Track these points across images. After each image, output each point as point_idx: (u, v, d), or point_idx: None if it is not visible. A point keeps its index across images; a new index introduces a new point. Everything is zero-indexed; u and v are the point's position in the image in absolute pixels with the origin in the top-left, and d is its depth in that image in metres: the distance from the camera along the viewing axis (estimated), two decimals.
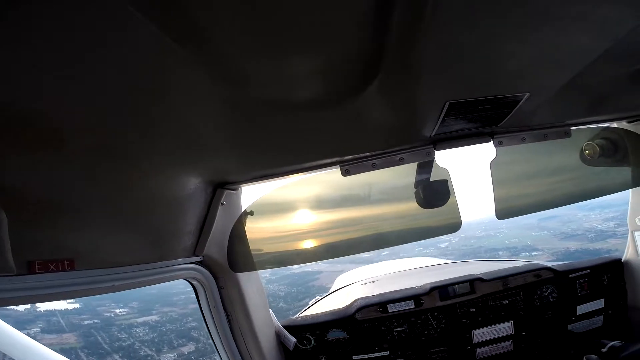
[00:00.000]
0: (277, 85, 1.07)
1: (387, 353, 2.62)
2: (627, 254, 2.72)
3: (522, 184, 2.22)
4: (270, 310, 2.53)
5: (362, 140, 1.66)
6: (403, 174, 2.04)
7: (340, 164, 1.82)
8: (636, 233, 2.61)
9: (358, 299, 2.74)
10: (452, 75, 1.20)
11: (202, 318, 2.07)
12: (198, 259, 1.85)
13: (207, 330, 2.10)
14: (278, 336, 2.53)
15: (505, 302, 2.66)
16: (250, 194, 2.08)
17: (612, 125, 2.30)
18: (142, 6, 0.68)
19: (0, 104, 0.79)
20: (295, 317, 2.86)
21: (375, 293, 2.81)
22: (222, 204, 1.80)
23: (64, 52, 0.73)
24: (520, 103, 1.49)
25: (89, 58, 0.77)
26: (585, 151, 2.27)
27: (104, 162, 1.11)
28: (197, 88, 0.98)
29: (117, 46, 0.76)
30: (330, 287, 4.33)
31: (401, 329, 2.64)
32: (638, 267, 2.65)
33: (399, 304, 2.64)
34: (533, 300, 2.68)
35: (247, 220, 2.03)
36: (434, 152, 1.87)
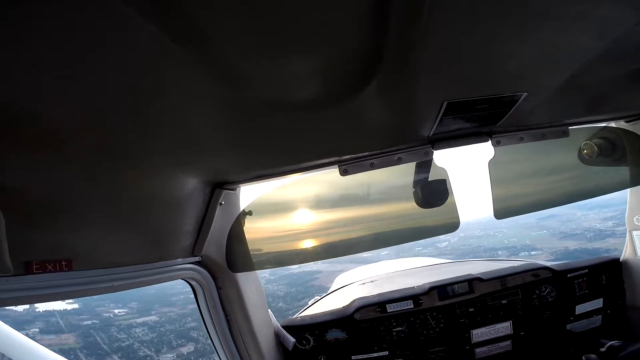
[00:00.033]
0: (276, 85, 1.07)
1: (386, 353, 2.63)
2: (626, 254, 2.73)
3: (520, 184, 2.23)
4: (269, 310, 2.53)
5: (360, 140, 1.66)
6: (401, 174, 2.04)
7: (339, 163, 1.82)
8: (634, 232, 2.61)
9: (357, 299, 2.74)
10: (450, 75, 1.20)
11: (201, 318, 2.07)
12: (196, 259, 1.85)
13: (205, 331, 2.10)
14: (277, 336, 2.53)
15: (504, 301, 2.67)
16: (249, 194, 2.09)
17: (610, 125, 2.30)
18: (140, 6, 0.68)
19: None
20: (294, 317, 2.86)
21: (374, 293, 2.82)
22: (221, 204, 1.79)
23: (62, 52, 0.73)
24: (518, 102, 1.49)
25: (87, 58, 0.77)
26: (583, 151, 2.28)
27: (102, 162, 1.11)
28: (195, 88, 0.98)
29: (116, 46, 0.76)
30: (329, 287, 4.33)
31: (400, 328, 2.64)
32: (636, 266, 2.65)
33: (398, 303, 2.64)
34: (532, 300, 2.68)
35: (245, 220, 2.03)
36: (432, 152, 1.88)
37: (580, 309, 2.70)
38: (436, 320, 2.65)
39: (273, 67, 0.97)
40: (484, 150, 2.02)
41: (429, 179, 2.05)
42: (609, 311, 2.72)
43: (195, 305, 2.05)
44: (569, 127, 2.00)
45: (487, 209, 2.12)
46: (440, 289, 2.67)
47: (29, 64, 0.73)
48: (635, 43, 1.22)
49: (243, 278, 2.10)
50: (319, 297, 3.84)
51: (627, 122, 2.25)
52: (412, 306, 2.64)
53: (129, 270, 1.40)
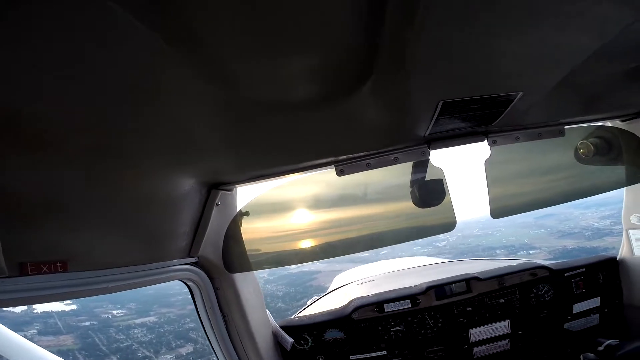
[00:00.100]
0: (272, 86, 1.07)
1: (385, 353, 2.63)
2: (622, 253, 2.74)
3: (516, 183, 2.23)
4: (267, 310, 2.53)
5: (357, 140, 1.66)
6: (398, 174, 2.04)
7: (335, 163, 1.82)
8: (631, 231, 2.62)
9: (355, 299, 2.74)
10: (445, 74, 1.20)
11: (199, 319, 2.06)
12: (193, 259, 1.85)
13: (203, 332, 2.09)
14: (275, 336, 2.53)
15: (501, 301, 2.67)
16: (246, 194, 2.08)
17: (606, 124, 2.31)
18: (136, 8, 0.69)
19: None
20: (292, 317, 2.86)
21: (372, 293, 2.82)
22: (217, 204, 1.79)
23: (58, 53, 0.73)
24: (514, 102, 1.49)
25: (82, 59, 0.77)
26: (579, 150, 2.28)
27: (97, 162, 1.11)
28: (191, 88, 0.98)
29: (111, 47, 0.76)
30: (328, 287, 4.33)
31: (398, 328, 2.64)
32: (633, 265, 2.66)
33: (396, 303, 2.64)
34: (529, 299, 2.69)
35: (242, 221, 2.03)
36: (429, 152, 1.88)
37: (577, 307, 2.70)
38: (434, 319, 2.65)
39: (268, 68, 0.97)
40: (481, 150, 2.03)
41: (426, 179, 2.05)
42: (606, 310, 2.73)
43: (194, 306, 2.05)
44: (565, 127, 2.01)
45: (485, 208, 2.12)
46: (438, 289, 2.67)
47: (24, 65, 0.73)
48: (630, 42, 1.22)
49: (240, 278, 2.09)
50: (317, 297, 3.84)
51: (622, 121, 2.26)
52: (409, 306, 2.64)
53: (125, 271, 1.39)
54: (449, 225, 2.10)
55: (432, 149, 1.87)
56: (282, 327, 2.57)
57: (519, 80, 1.35)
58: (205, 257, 1.88)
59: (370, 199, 2.12)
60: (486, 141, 1.92)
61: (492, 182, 2.04)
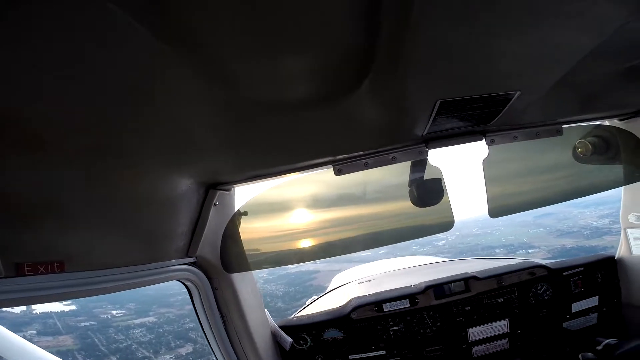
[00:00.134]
0: (269, 86, 1.07)
1: (384, 352, 2.63)
2: (621, 251, 2.74)
3: (514, 182, 2.23)
4: (265, 310, 2.53)
5: (354, 139, 1.66)
6: (397, 173, 2.04)
7: (333, 163, 1.82)
8: (629, 230, 2.62)
9: (353, 299, 2.74)
10: (443, 74, 1.20)
11: (197, 319, 2.06)
12: (191, 260, 1.84)
13: (202, 332, 2.09)
14: (274, 336, 2.53)
15: (500, 300, 2.67)
16: (244, 194, 2.08)
17: (604, 123, 2.31)
18: (134, 9, 0.68)
19: None
20: (291, 317, 2.86)
21: (371, 292, 2.82)
22: (215, 204, 1.79)
23: (57, 53, 0.73)
24: (512, 101, 1.49)
25: (79, 59, 0.76)
26: (577, 149, 2.28)
27: (95, 162, 1.11)
28: (189, 88, 0.98)
29: (109, 48, 0.76)
30: (327, 287, 4.33)
31: (397, 328, 2.64)
32: (631, 264, 2.66)
33: (394, 303, 2.64)
34: (528, 298, 2.69)
35: (240, 221, 2.02)
36: (426, 151, 1.88)
37: (576, 307, 2.71)
38: (433, 319, 2.65)
39: (266, 68, 0.97)
40: (479, 149, 2.03)
41: (424, 178, 2.05)
42: (604, 309, 2.73)
43: (192, 307, 2.05)
44: (563, 126, 2.01)
45: (484, 208, 2.12)
46: (437, 288, 2.68)
47: (18, 65, 0.72)
48: (627, 41, 1.22)
49: (239, 278, 2.09)
50: (316, 297, 3.85)
51: (620, 120, 2.26)
52: (408, 305, 2.64)
53: (122, 271, 1.39)
54: (447, 224, 2.10)
55: (430, 149, 1.87)
56: (281, 327, 2.57)
57: (517, 79, 1.35)
58: (203, 257, 1.88)
59: (368, 199, 2.12)
60: (484, 140, 1.92)
61: (490, 181, 2.04)
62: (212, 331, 2.05)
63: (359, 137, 1.65)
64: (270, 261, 2.17)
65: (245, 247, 2.04)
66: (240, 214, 2.02)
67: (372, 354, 2.63)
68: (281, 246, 2.14)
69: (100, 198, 1.22)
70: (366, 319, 2.63)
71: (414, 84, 1.23)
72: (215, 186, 1.78)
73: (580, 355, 2.23)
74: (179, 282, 1.90)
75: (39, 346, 1.73)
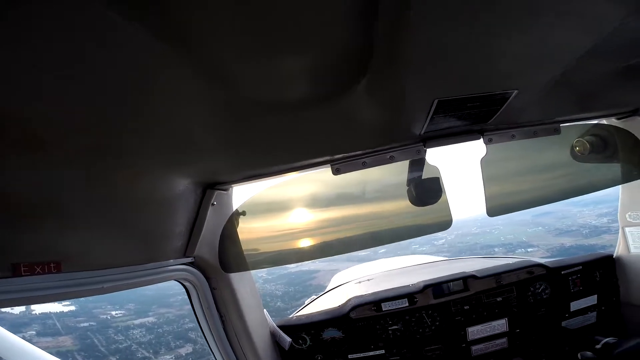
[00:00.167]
0: (266, 85, 1.06)
1: (383, 352, 2.63)
2: (619, 250, 2.74)
3: (512, 181, 2.23)
4: (264, 310, 2.53)
5: (352, 139, 1.66)
6: (395, 172, 2.04)
7: (331, 162, 1.82)
8: (627, 229, 2.63)
9: (352, 298, 2.74)
10: (440, 73, 1.20)
11: (196, 320, 2.06)
12: (189, 260, 1.84)
13: (201, 332, 2.09)
14: (273, 336, 2.53)
15: (499, 299, 2.68)
16: (242, 193, 2.08)
17: (601, 122, 2.31)
18: (128, 9, 0.68)
19: None
20: (290, 316, 2.86)
21: (370, 292, 2.82)
22: (213, 204, 1.79)
23: (54, 53, 0.72)
24: (509, 100, 1.49)
25: (75, 60, 0.76)
26: (575, 148, 2.28)
27: (92, 163, 1.10)
28: (186, 88, 0.98)
29: (108, 48, 0.76)
30: (327, 286, 4.34)
31: (396, 327, 2.64)
32: (630, 262, 2.67)
33: (393, 302, 2.64)
34: (526, 297, 2.69)
35: (238, 221, 2.02)
36: (424, 150, 1.88)
37: (574, 305, 2.71)
38: (432, 318, 2.66)
39: (263, 67, 0.97)
40: (477, 148, 2.03)
41: (422, 177, 2.05)
42: (603, 308, 2.73)
43: (191, 307, 2.05)
44: (561, 125, 2.01)
45: (482, 207, 2.12)
46: (435, 287, 2.68)
47: (16, 65, 0.72)
48: (624, 40, 1.22)
49: (237, 278, 2.09)
50: (316, 297, 3.85)
51: (618, 119, 2.26)
52: (407, 304, 2.64)
53: (120, 271, 1.39)
54: (445, 223, 2.10)
55: (427, 148, 1.87)
56: (280, 327, 2.57)
57: (514, 78, 1.35)
58: (201, 257, 1.88)
59: (366, 198, 2.12)
60: (482, 139, 1.91)
61: (488, 180, 2.04)
62: (211, 331, 2.05)
63: (357, 137, 1.65)
64: (268, 261, 2.17)
65: (244, 246, 2.04)
66: (238, 214, 2.01)
67: (371, 353, 2.63)
68: (279, 246, 2.13)
69: (97, 198, 1.21)
70: (365, 318, 2.63)
71: (411, 83, 1.23)
72: (213, 186, 1.77)
73: (579, 354, 2.23)
74: (177, 282, 1.90)
75: (39, 347, 1.73)
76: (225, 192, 1.88)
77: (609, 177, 2.35)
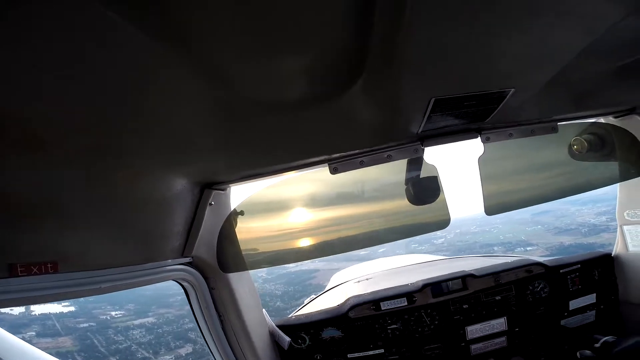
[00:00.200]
0: (264, 85, 1.06)
1: (382, 351, 2.63)
2: (617, 249, 2.75)
3: (510, 180, 2.23)
4: (263, 310, 2.53)
5: (350, 138, 1.66)
6: (393, 171, 2.04)
7: (328, 162, 1.82)
8: (625, 227, 2.63)
9: (351, 297, 2.74)
10: (436, 71, 1.20)
11: (194, 320, 2.06)
12: (187, 260, 1.84)
13: (200, 332, 2.09)
14: (272, 336, 2.53)
15: (497, 298, 2.68)
16: (240, 193, 2.08)
17: (599, 121, 2.32)
18: (126, 9, 0.68)
19: None
20: (289, 316, 2.86)
21: (369, 291, 2.82)
22: (210, 204, 1.79)
23: (51, 54, 0.72)
24: (506, 99, 1.49)
25: (73, 61, 0.76)
26: (573, 146, 2.29)
27: (89, 163, 1.10)
28: (183, 88, 0.98)
29: (107, 48, 0.76)
30: (327, 286, 4.34)
31: (395, 326, 2.64)
32: (628, 261, 2.67)
33: (392, 301, 2.64)
34: (525, 295, 2.70)
35: (236, 220, 2.02)
36: (422, 149, 1.88)
37: (573, 304, 2.71)
38: (430, 317, 2.66)
39: (261, 68, 0.97)
40: (475, 147, 2.04)
41: (420, 176, 2.05)
42: (602, 306, 2.74)
43: (189, 307, 2.04)
44: (558, 123, 2.01)
45: (482, 206, 2.12)
46: (434, 286, 2.68)
47: (15, 65, 0.72)
48: (621, 39, 1.22)
49: (235, 278, 2.09)
50: (315, 296, 3.85)
51: (615, 117, 2.26)
52: (405, 304, 2.64)
53: (117, 272, 1.38)
54: (443, 222, 2.10)
55: (425, 146, 1.87)
56: (279, 327, 2.57)
57: (511, 77, 1.35)
58: (200, 257, 1.88)
59: (364, 197, 2.12)
60: (479, 138, 1.92)
61: (485, 178, 2.04)
62: (210, 331, 2.05)
63: (354, 136, 1.65)
64: (266, 260, 2.16)
65: (242, 246, 2.04)
66: (236, 214, 2.01)
67: (371, 352, 2.63)
68: (277, 245, 2.13)
69: (95, 198, 1.21)
70: (364, 317, 2.63)
71: (407, 82, 1.23)
72: (210, 186, 1.77)
73: (578, 353, 2.24)
74: (175, 282, 1.89)
75: (38, 348, 1.73)
76: (223, 191, 1.88)
77: (607, 176, 2.35)
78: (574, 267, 2.73)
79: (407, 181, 2.09)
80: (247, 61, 0.93)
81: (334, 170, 1.83)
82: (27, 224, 1.04)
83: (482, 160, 2.00)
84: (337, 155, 1.79)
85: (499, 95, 1.45)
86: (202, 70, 0.91)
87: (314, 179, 2.01)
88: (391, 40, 0.95)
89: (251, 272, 2.37)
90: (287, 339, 2.52)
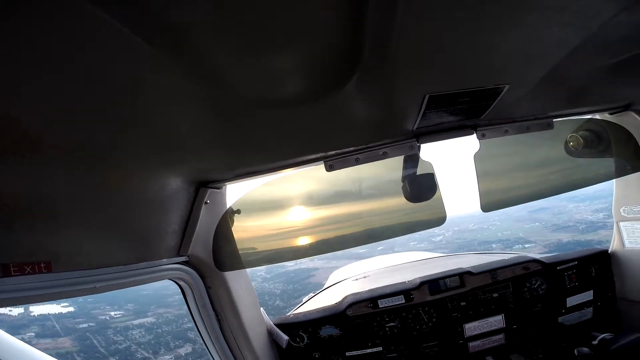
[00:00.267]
0: (259, 83, 1.06)
1: (380, 349, 2.64)
2: (614, 245, 2.75)
3: (506, 176, 2.23)
4: (261, 308, 2.52)
5: (345, 135, 1.66)
6: (389, 169, 2.04)
7: (324, 159, 1.82)
8: (621, 224, 2.64)
9: (349, 295, 2.75)
10: (430, 68, 1.19)
11: (192, 319, 2.05)
12: (183, 259, 1.83)
13: (197, 331, 2.08)
14: (270, 334, 2.52)
15: (495, 295, 2.69)
16: (236, 191, 2.07)
17: (595, 117, 2.32)
18: (115, 10, 0.68)
19: None
20: (287, 314, 2.86)
21: (367, 289, 2.82)
22: (206, 202, 1.78)
23: (43, 54, 0.72)
24: (501, 95, 1.49)
25: (68, 61, 0.76)
26: (569, 143, 2.29)
27: (83, 162, 1.09)
28: (177, 87, 0.97)
29: (97, 50, 0.76)
30: (325, 284, 4.34)
31: (393, 324, 2.65)
32: (624, 258, 2.68)
33: (389, 299, 2.64)
34: (523, 293, 2.70)
35: (232, 219, 2.01)
36: (418, 146, 1.88)
37: (571, 301, 2.72)
38: (428, 315, 2.66)
39: (255, 65, 0.97)
40: (472, 144, 2.02)
41: (416, 174, 2.05)
42: (599, 303, 2.75)
43: (186, 306, 2.04)
44: (554, 120, 2.01)
45: (478, 202, 2.12)
46: (432, 284, 2.68)
47: (8, 66, 0.72)
48: (615, 35, 1.22)
49: (232, 277, 2.08)
50: (313, 294, 3.85)
51: (611, 114, 2.27)
52: (403, 301, 2.65)
53: (112, 271, 1.38)
54: (440, 219, 2.09)
55: (420, 143, 1.87)
56: (277, 325, 2.57)
57: (505, 73, 1.34)
58: (196, 255, 1.87)
59: (361, 195, 2.12)
60: (475, 135, 1.92)
61: (481, 175, 2.04)
62: (207, 330, 2.04)
63: (350, 133, 1.65)
64: (263, 259, 2.16)
65: (238, 245, 2.03)
66: (232, 212, 2.00)
67: (369, 350, 2.63)
68: (274, 243, 2.13)
69: (89, 197, 1.21)
70: (362, 315, 2.63)
71: (401, 79, 1.22)
72: (206, 184, 1.77)
73: (575, 351, 2.24)
74: (172, 281, 1.89)
75: (38, 348, 1.72)
76: (218, 190, 1.87)
77: (603, 172, 2.36)
78: (571, 264, 2.74)
79: (404, 178, 2.09)
80: (240, 59, 0.92)
81: (329, 168, 1.83)
82: (20, 224, 1.04)
83: (478, 157, 2.00)
84: (333, 152, 1.79)
85: (493, 91, 1.45)
86: (195, 68, 0.91)
87: (311, 177, 2.01)
88: (384, 37, 0.95)
89: (249, 270, 2.36)
90: (285, 337, 2.52)
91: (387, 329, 2.64)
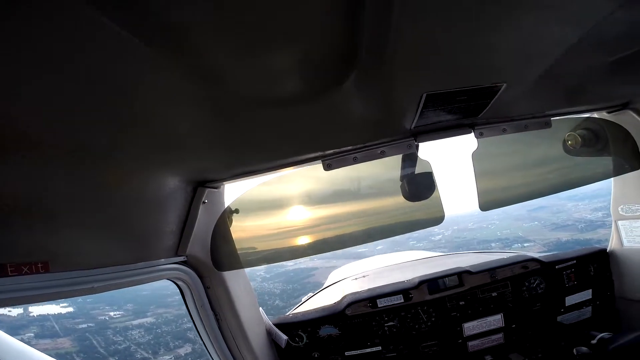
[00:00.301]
0: (255, 82, 1.06)
1: (379, 348, 2.64)
2: (612, 244, 2.75)
3: (504, 175, 2.23)
4: (260, 308, 2.52)
5: (343, 134, 1.65)
6: (387, 168, 2.04)
7: (322, 158, 1.81)
8: (619, 222, 2.64)
9: (348, 295, 2.75)
10: (427, 66, 1.19)
11: (191, 319, 2.05)
12: (181, 258, 1.83)
13: (196, 331, 2.08)
14: (269, 334, 2.52)
15: (494, 294, 2.69)
16: (234, 191, 2.07)
17: (593, 116, 2.32)
18: (119, 9, 0.68)
19: None
20: (286, 314, 2.86)
21: (366, 288, 2.82)
22: (204, 202, 1.78)
23: (41, 54, 0.72)
24: (499, 93, 1.48)
25: (66, 61, 0.76)
26: (567, 141, 2.29)
27: (81, 161, 1.09)
28: (175, 86, 0.97)
29: (95, 50, 0.75)
30: (325, 283, 4.34)
31: (392, 323, 2.65)
32: (623, 256, 2.68)
33: (388, 298, 2.64)
34: (521, 292, 2.70)
35: (230, 218, 2.01)
36: (415, 145, 1.87)
37: (569, 300, 2.72)
38: (427, 314, 2.66)
39: (253, 65, 0.96)
40: (470, 142, 2.02)
41: (415, 173, 2.05)
42: (598, 302, 2.75)
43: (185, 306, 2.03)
44: (552, 118, 2.01)
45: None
46: (430, 283, 2.68)
47: (8, 66, 0.72)
48: (611, 33, 1.22)
49: (231, 277, 2.08)
50: (312, 294, 3.85)
51: (609, 112, 2.27)
52: (402, 301, 2.65)
53: (110, 271, 1.37)
54: (438, 218, 2.09)
55: (418, 142, 1.87)
56: (276, 325, 2.57)
57: (502, 72, 1.34)
58: (194, 255, 1.87)
59: (359, 194, 2.12)
60: (473, 133, 1.91)
61: (480, 174, 2.04)
62: (206, 331, 2.04)
63: (347, 132, 1.65)
64: (261, 258, 2.16)
65: (236, 244, 2.03)
66: (230, 212, 2.00)
67: (368, 350, 2.63)
68: (272, 243, 2.12)
69: (86, 197, 1.20)
70: (361, 314, 2.63)
71: (398, 77, 1.22)
72: (203, 184, 1.77)
73: (574, 350, 2.25)
74: (170, 281, 1.88)
75: (37, 349, 1.72)
76: (216, 189, 1.87)
77: (601, 170, 2.36)
78: (570, 263, 2.74)
79: (402, 177, 2.09)
80: (238, 58, 0.92)
81: (327, 167, 1.83)
82: (17, 224, 1.03)
83: (476, 156, 2.00)
84: (331, 151, 1.79)
85: (491, 90, 1.45)
86: (195, 68, 0.91)
87: (309, 176, 2.01)
88: (381, 37, 0.95)
89: (248, 270, 2.36)
90: (285, 337, 2.52)
91: (386, 328, 2.64)
